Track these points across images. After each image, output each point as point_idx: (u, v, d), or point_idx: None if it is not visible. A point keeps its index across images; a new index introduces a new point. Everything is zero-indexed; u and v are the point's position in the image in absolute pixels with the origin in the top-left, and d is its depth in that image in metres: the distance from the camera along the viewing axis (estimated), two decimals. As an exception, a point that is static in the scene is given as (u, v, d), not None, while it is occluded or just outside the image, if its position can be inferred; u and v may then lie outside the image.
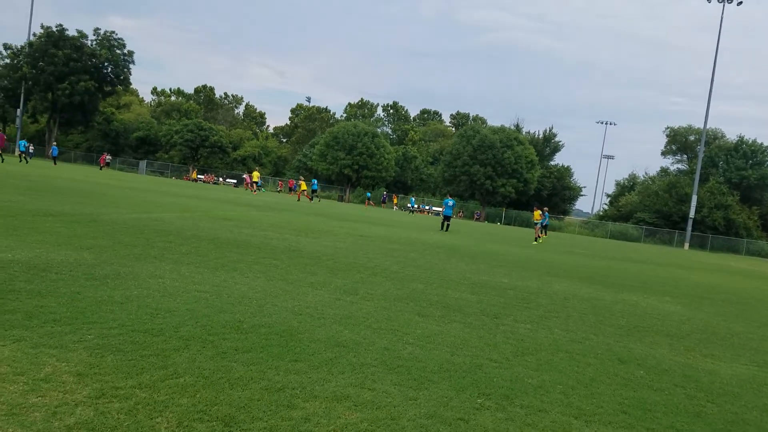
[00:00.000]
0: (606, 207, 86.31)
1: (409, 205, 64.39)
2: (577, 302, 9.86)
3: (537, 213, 30.09)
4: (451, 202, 29.62)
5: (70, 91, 73.69)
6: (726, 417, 4.79)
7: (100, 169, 60.20)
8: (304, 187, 48.21)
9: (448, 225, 28.86)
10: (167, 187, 35.64)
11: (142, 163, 79.31)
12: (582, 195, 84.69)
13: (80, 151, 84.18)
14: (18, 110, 74.79)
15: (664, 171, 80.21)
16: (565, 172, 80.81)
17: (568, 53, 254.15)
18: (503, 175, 68.42)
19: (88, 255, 7.99)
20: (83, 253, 8.11)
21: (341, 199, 73.95)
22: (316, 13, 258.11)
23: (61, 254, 7.77)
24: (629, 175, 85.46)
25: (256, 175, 53.09)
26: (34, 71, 74.04)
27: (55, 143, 57.48)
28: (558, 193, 79.14)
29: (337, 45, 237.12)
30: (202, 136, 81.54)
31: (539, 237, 29.23)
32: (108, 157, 68.27)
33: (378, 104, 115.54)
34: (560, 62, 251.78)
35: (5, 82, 76.44)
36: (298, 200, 43.65)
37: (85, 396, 3.48)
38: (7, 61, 78.40)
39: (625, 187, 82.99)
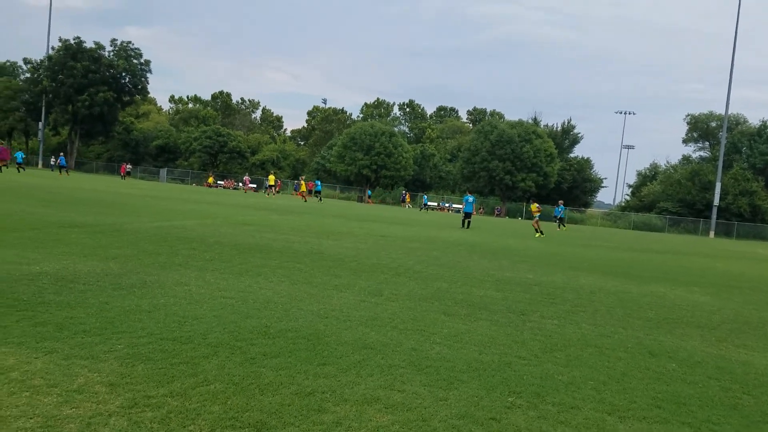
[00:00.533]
0: (628, 198, 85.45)
1: (423, 203, 64.26)
2: (604, 296, 9.75)
3: (534, 206, 29.78)
4: (471, 199, 29.47)
5: (90, 103, 74.67)
6: (763, 409, 4.69)
7: (123, 178, 61.01)
8: (304, 188, 49.12)
9: (469, 222, 28.73)
10: (188, 194, 35.97)
11: (163, 171, 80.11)
12: (603, 186, 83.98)
13: (101, 162, 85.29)
14: (40, 123, 75.99)
15: (686, 159, 79.20)
16: (585, 164, 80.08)
17: (582, 44, 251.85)
18: (522, 170, 67.98)
19: (114, 265, 8.08)
20: (109, 263, 8.20)
21: (360, 199, 74.02)
22: (329, 16, 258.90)
23: (88, 265, 7.86)
24: (650, 165, 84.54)
25: (272, 179, 53.64)
26: (53, 84, 75.16)
27: (62, 154, 58.65)
28: (579, 186, 78.43)
29: (351, 46, 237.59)
30: (221, 142, 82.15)
31: (539, 231, 28.43)
32: (128, 167, 69.15)
33: (394, 103, 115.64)
34: (574, 53, 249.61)
35: (26, 96, 77.72)
36: (305, 201, 44.45)
37: (118, 406, 3.50)
38: (28, 75, 79.76)
39: (647, 177, 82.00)
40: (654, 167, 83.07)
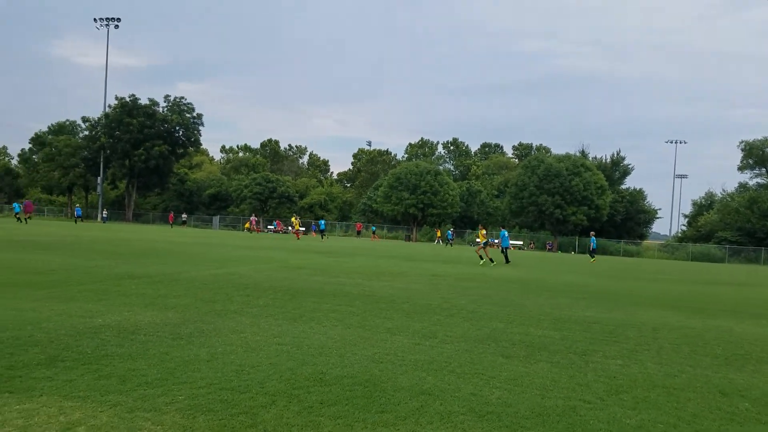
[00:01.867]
0: (684, 228, 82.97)
1: (448, 237, 62.86)
2: (668, 332, 9.39)
3: (482, 232, 28.51)
4: (506, 233, 30.23)
5: (146, 157, 77.51)
6: None
7: (171, 226, 63.85)
8: (298, 226, 51.11)
9: (504, 255, 28.72)
10: (240, 241, 36.62)
11: (215, 219, 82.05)
12: (658, 218, 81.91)
13: (157, 212, 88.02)
14: (98, 178, 79.15)
15: (743, 186, 76.61)
16: (638, 195, 78.51)
17: (626, 73, 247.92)
18: (573, 203, 66.98)
19: (172, 314, 8.24)
20: (168, 312, 8.38)
21: (408, 238, 74.01)
22: (370, 62, 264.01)
23: (148, 315, 8.04)
24: (706, 194, 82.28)
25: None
26: (111, 140, 78.44)
27: (77, 205, 63.23)
28: (632, 218, 76.73)
29: (393, 89, 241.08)
30: (270, 188, 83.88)
31: (483, 258, 27.34)
32: (183, 216, 71.47)
33: (438, 142, 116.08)
34: (620, 84, 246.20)
35: (85, 152, 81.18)
36: (298, 239, 46.36)
37: (181, 459, 3.52)
38: (86, 133, 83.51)
39: (703, 206, 79.70)
40: (710, 196, 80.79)
